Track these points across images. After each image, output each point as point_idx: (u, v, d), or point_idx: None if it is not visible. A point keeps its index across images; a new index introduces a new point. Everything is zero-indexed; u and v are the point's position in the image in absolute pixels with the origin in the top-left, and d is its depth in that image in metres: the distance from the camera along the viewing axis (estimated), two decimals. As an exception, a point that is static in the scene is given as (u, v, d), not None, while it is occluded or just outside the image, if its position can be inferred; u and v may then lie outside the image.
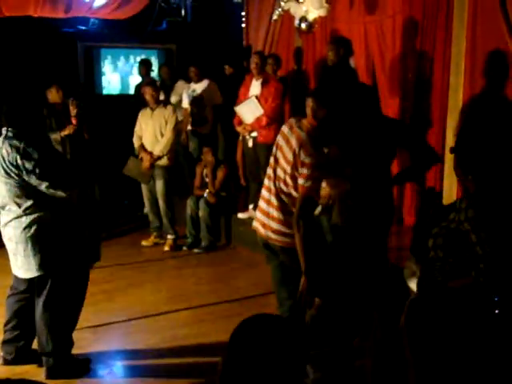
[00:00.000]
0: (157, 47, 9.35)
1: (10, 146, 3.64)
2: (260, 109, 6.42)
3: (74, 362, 4.03)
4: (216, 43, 8.80)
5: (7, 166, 3.65)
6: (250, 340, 1.53)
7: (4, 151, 3.67)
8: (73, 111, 6.81)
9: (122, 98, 8.82)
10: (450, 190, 5.72)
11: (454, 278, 2.60)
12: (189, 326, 4.68)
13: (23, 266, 3.80)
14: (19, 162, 3.60)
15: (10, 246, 3.85)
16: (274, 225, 3.59)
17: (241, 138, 6.97)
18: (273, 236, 3.60)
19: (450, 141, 5.31)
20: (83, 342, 4.41)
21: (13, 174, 3.64)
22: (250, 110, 6.51)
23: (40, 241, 3.74)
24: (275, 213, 3.58)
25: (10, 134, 3.70)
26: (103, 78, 9.03)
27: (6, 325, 4.10)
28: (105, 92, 9.01)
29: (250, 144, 6.64)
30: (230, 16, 8.94)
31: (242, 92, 6.76)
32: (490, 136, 2.65)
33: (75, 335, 4.44)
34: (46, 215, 3.74)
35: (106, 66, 9.07)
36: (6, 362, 4.06)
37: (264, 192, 3.70)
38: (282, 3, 6.57)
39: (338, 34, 6.87)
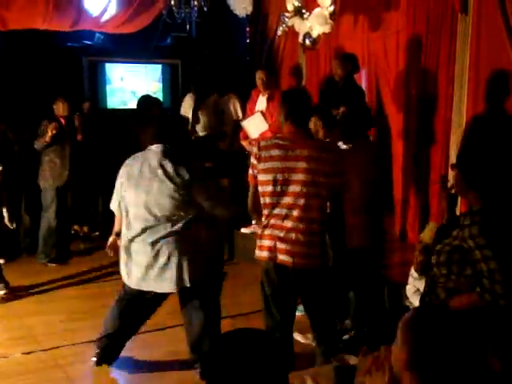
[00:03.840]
0: (161, 62, 9.38)
1: (175, 162, 3.79)
2: (265, 124, 6.44)
3: None
4: (221, 59, 8.83)
5: (175, 182, 3.75)
6: (230, 354, 1.52)
7: (169, 167, 3.77)
8: (78, 125, 6.86)
9: (126, 111, 8.84)
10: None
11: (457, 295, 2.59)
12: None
13: (171, 278, 3.85)
14: (186, 177, 3.76)
15: (155, 260, 3.86)
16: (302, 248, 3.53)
17: (247, 152, 6.97)
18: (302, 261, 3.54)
19: (453, 157, 5.32)
20: (85, 356, 4.38)
21: (181, 190, 3.76)
22: (255, 125, 6.54)
23: (196, 252, 3.89)
24: (300, 236, 3.51)
25: (167, 151, 3.83)
26: (108, 92, 9.06)
27: (112, 332, 4.14)
28: (109, 106, 9.04)
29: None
30: (234, 32, 8.98)
31: (249, 107, 6.80)
32: (495, 150, 2.64)
33: (77, 349, 4.44)
34: (201, 228, 3.89)
35: (111, 81, 9.10)
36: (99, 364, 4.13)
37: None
38: (287, 19, 6.61)
39: (342, 50, 6.91)
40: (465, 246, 2.54)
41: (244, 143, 6.77)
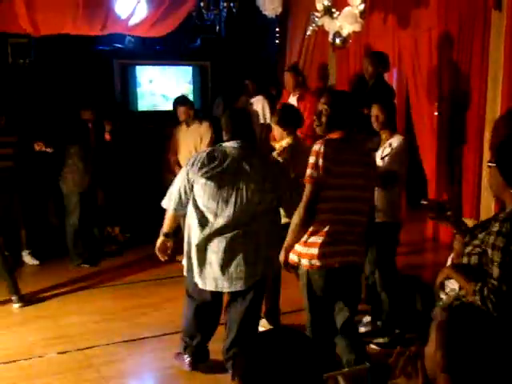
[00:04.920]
0: (191, 64, 9.43)
1: (257, 156, 3.88)
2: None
3: None
4: (250, 59, 8.84)
5: (262, 176, 3.78)
6: (265, 353, 1.50)
7: (255, 161, 3.81)
8: (107, 128, 6.92)
9: (157, 114, 8.91)
10: (488, 208, 5.64)
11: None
12: (221, 341, 4.65)
13: (245, 275, 3.84)
14: (272, 170, 3.87)
15: (226, 258, 3.81)
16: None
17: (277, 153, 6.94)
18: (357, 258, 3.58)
19: (487, 155, 5.24)
20: (118, 356, 4.44)
21: (270, 189, 3.80)
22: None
23: (265, 250, 3.85)
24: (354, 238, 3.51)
25: (248, 148, 3.86)
26: (138, 95, 9.13)
27: (194, 334, 4.12)
28: (140, 109, 9.12)
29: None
30: (264, 32, 8.99)
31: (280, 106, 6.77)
32: None
33: (110, 349, 4.48)
34: (274, 224, 3.93)
35: (142, 83, 9.17)
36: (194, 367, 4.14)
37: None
38: (316, 19, 6.58)
39: (372, 48, 6.86)
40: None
41: (274, 144, 6.74)
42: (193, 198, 3.85)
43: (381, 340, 4.45)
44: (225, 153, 3.83)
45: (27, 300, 5.48)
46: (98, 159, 6.78)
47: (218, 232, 3.80)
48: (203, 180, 3.77)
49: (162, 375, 4.24)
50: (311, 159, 3.29)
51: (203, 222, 3.83)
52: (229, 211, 3.77)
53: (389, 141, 4.45)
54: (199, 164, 3.80)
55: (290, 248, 3.43)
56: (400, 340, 4.33)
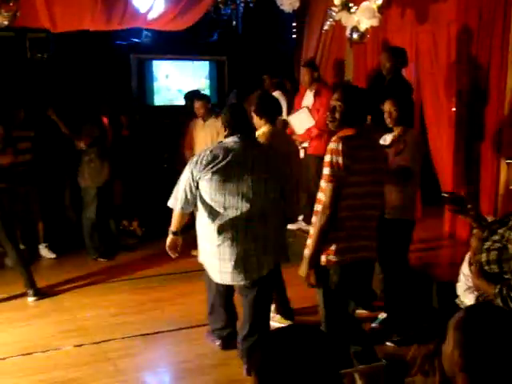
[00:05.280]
0: (208, 59, 9.43)
1: (261, 151, 4.06)
2: (311, 120, 6.39)
3: None
4: (267, 54, 8.82)
5: (267, 171, 3.93)
6: (282, 350, 1.49)
7: (257, 154, 3.96)
8: (124, 123, 6.95)
9: (173, 108, 8.93)
10: (506, 205, 5.59)
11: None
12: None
13: (258, 266, 3.94)
14: (280, 165, 4.06)
15: (240, 249, 3.89)
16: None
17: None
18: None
19: (506, 151, 5.19)
20: (134, 349, 4.47)
21: (273, 177, 3.96)
22: (301, 121, 6.50)
23: (276, 235, 4.05)
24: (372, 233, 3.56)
25: (248, 141, 4.01)
26: (155, 90, 9.15)
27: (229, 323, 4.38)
28: (156, 103, 9.14)
29: (301, 155, 6.61)
30: (281, 27, 8.96)
31: (297, 102, 6.77)
32: None
33: (126, 343, 4.51)
34: (281, 215, 4.09)
35: (158, 78, 9.19)
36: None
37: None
38: (334, 14, 6.54)
39: (390, 43, 6.80)
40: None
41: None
42: (200, 195, 3.91)
43: (395, 338, 4.43)
44: (226, 148, 3.90)
45: (43, 293, 5.53)
46: (115, 154, 6.81)
47: (229, 224, 3.87)
48: (208, 176, 3.83)
49: (177, 369, 4.27)
50: (328, 158, 3.27)
51: (213, 216, 3.89)
52: (237, 203, 3.85)
53: (402, 137, 4.42)
54: (204, 162, 3.85)
55: (316, 257, 3.37)
56: (415, 338, 4.30)
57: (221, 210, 3.86)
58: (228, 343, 4.38)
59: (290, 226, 6.76)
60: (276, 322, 4.64)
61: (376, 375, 2.39)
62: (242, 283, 4.00)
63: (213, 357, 4.37)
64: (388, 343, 4.39)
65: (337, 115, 3.39)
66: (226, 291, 4.27)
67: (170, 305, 5.37)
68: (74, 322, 4.98)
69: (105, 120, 6.88)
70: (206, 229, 3.95)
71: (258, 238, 3.92)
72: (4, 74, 7.49)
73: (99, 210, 6.65)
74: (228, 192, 3.84)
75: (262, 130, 4.73)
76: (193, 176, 3.88)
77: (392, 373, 2.27)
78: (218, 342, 4.41)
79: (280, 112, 5.01)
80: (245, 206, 3.85)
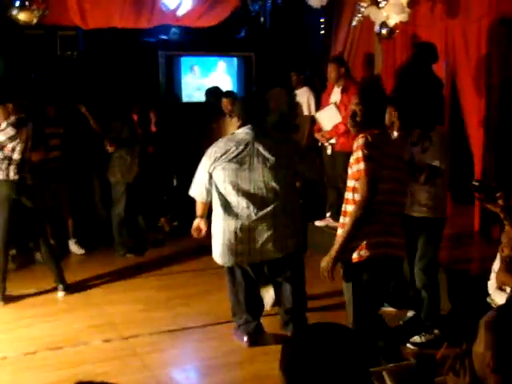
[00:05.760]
0: (235, 55, 9.43)
1: (272, 140, 4.27)
2: (338, 116, 6.34)
3: None
4: (295, 51, 8.78)
5: (278, 158, 4.13)
6: (310, 348, 1.47)
7: (268, 142, 4.19)
8: (153, 119, 6.99)
9: (200, 105, 8.94)
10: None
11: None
12: (267, 331, 4.66)
13: (275, 249, 4.22)
14: (291, 152, 4.30)
15: (257, 234, 4.16)
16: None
17: (320, 144, 6.89)
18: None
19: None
20: (161, 345, 4.50)
21: (285, 164, 4.18)
22: (328, 117, 6.46)
23: (294, 223, 4.35)
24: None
25: (259, 131, 4.22)
26: (182, 86, 9.18)
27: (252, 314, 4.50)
28: (184, 99, 9.16)
29: (329, 151, 6.57)
30: (309, 23, 8.91)
31: (324, 98, 6.72)
32: None
33: (154, 338, 4.53)
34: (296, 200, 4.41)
35: (186, 74, 9.22)
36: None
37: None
38: (362, 9, 6.48)
39: (420, 39, 6.72)
40: None
41: (318, 136, 6.69)
42: (215, 185, 4.20)
43: (417, 340, 4.36)
44: (238, 139, 4.20)
45: (73, 288, 5.59)
46: (144, 150, 6.85)
47: (244, 212, 4.14)
48: (222, 166, 4.13)
49: (204, 366, 4.28)
50: (360, 153, 3.26)
51: (228, 204, 4.17)
52: (250, 190, 4.13)
53: (429, 135, 4.33)
54: (217, 153, 4.16)
55: (345, 248, 3.35)
56: (439, 340, 4.23)
57: (235, 198, 4.13)
58: (255, 339, 4.43)
59: (317, 223, 6.76)
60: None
61: (406, 374, 2.36)
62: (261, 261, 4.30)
63: (240, 354, 4.37)
64: (408, 345, 4.31)
65: (358, 119, 3.41)
66: (247, 285, 4.41)
67: (197, 301, 5.38)
68: (102, 317, 5.03)
69: (134, 117, 6.92)
70: (222, 217, 4.19)
71: (274, 223, 4.17)
72: (35, 72, 7.59)
73: (128, 206, 6.69)
74: (241, 181, 4.12)
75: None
76: (207, 167, 4.19)
77: (422, 372, 2.23)
78: (245, 338, 4.44)
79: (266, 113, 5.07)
80: (258, 194, 4.13)
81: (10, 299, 5.35)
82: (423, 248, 4.38)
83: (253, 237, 4.17)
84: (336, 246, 3.35)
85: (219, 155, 4.14)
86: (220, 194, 4.18)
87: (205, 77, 9.28)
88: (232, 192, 4.14)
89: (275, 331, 4.57)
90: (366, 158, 3.23)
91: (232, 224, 4.16)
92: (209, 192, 4.27)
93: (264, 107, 4.47)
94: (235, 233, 4.17)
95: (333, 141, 6.51)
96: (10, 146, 5.21)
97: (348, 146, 6.16)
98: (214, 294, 5.47)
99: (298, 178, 4.44)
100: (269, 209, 4.15)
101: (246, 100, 4.50)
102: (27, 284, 5.67)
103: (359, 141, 3.31)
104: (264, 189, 4.14)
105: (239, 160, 4.12)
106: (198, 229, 4.44)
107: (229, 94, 7.03)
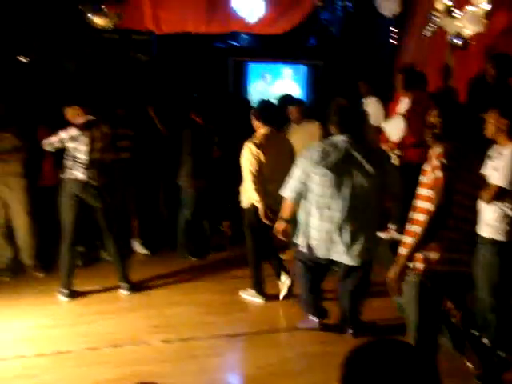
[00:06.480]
0: (304, 63, 9.42)
1: (367, 149, 4.47)
2: (406, 127, 6.23)
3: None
4: (365, 60, 8.69)
5: (373, 166, 4.34)
6: (370, 363, 1.43)
7: (365, 151, 4.39)
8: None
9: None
10: None
11: None
12: (321, 344, 4.61)
13: (359, 253, 4.48)
14: (383, 161, 4.60)
15: (347, 237, 4.42)
16: None
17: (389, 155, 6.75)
18: None
19: None
20: (219, 349, 4.52)
21: (377, 173, 4.38)
22: (395, 128, 6.35)
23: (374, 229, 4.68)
24: None
25: (355, 140, 4.42)
26: (251, 92, 9.24)
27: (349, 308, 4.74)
28: (252, 105, 9.21)
29: (395, 162, 6.46)
30: (380, 32, 8.80)
31: (392, 109, 6.61)
32: None
33: (212, 342, 4.55)
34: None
35: (254, 81, 9.28)
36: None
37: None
38: (436, 19, 6.36)
39: (496, 49, 6.52)
40: None
41: (385, 146, 6.59)
42: (311, 188, 4.40)
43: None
44: (336, 145, 4.38)
45: (136, 288, 5.69)
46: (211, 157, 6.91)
47: (338, 214, 4.36)
48: (320, 170, 4.33)
49: (261, 373, 4.23)
50: (438, 162, 3.22)
51: (324, 206, 4.39)
52: (346, 195, 4.33)
53: (500, 150, 4.13)
54: (317, 158, 4.35)
55: (408, 259, 3.29)
56: (504, 364, 4.07)
57: (329, 201, 4.35)
58: (323, 315, 4.80)
59: (380, 235, 6.64)
60: (248, 295, 5.46)
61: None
62: (346, 263, 4.53)
63: (297, 362, 4.35)
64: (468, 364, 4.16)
65: (436, 131, 3.38)
66: (313, 278, 4.73)
67: (256, 307, 5.39)
68: (162, 317, 5.10)
69: (199, 120, 6.97)
70: (315, 218, 4.44)
71: (361, 229, 4.42)
72: (109, 75, 7.79)
73: (196, 211, 6.77)
74: (337, 186, 4.32)
75: (259, 131, 5.34)
76: (305, 170, 4.40)
77: None
78: (314, 318, 4.76)
79: (279, 118, 5.56)
80: (352, 199, 4.32)
81: (75, 295, 5.50)
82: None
83: (341, 239, 4.41)
84: (404, 254, 3.30)
85: (320, 160, 4.34)
86: (317, 196, 4.39)
87: (272, 83, 9.31)
88: (329, 195, 4.35)
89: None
90: (444, 168, 3.19)
91: (326, 225, 4.41)
92: (301, 194, 4.48)
93: (360, 116, 4.76)
94: (328, 233, 4.42)
95: (399, 152, 6.40)
96: (72, 145, 5.35)
97: (415, 157, 6.05)
98: (274, 300, 5.46)
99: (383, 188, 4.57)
100: (358, 214, 4.38)
101: (342, 108, 4.58)
102: (92, 281, 5.81)
103: (438, 150, 3.27)
104: (358, 194, 4.34)
105: (338, 165, 4.33)
106: (284, 231, 4.69)
107: (296, 101, 7.01)
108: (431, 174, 3.26)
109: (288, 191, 4.54)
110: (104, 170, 5.57)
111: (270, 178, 5.15)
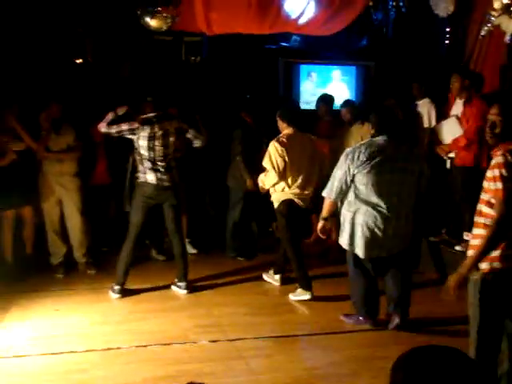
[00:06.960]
0: (356, 64, 9.33)
1: (407, 149, 4.70)
2: (459, 129, 6.11)
3: None
4: (418, 61, 8.54)
5: (411, 166, 4.62)
6: (424, 372, 1.39)
7: (405, 150, 4.66)
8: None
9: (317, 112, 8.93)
10: None
11: None
12: (370, 347, 4.56)
13: (397, 245, 4.73)
14: (421, 162, 4.77)
15: (390, 234, 4.64)
16: None
17: (445, 158, 6.61)
18: None
19: None
20: (266, 350, 4.53)
21: (416, 173, 4.64)
22: (449, 130, 6.24)
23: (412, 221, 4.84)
24: None
25: (395, 140, 4.63)
26: (301, 93, 9.21)
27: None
28: (302, 107, 9.18)
29: (448, 165, 6.34)
30: (434, 33, 8.63)
31: (445, 111, 6.49)
32: None
33: (259, 343, 4.55)
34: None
35: (305, 82, 9.24)
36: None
37: None
38: (493, 18, 6.20)
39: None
40: None
41: (439, 150, 6.45)
42: (355, 187, 4.57)
43: None
44: (378, 145, 4.56)
45: (193, 287, 5.74)
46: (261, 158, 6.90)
47: (382, 211, 4.55)
48: (365, 170, 4.50)
49: (307, 375, 4.21)
50: (497, 172, 3.15)
51: (369, 204, 4.56)
52: (390, 194, 4.54)
53: None
54: (361, 158, 4.50)
55: (480, 260, 3.24)
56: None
57: (372, 199, 4.53)
58: (373, 315, 4.91)
59: (432, 239, 6.53)
60: (296, 296, 5.51)
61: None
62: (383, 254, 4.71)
63: (344, 365, 4.31)
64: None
65: (497, 130, 3.28)
66: (368, 279, 4.85)
67: (303, 309, 5.37)
68: (210, 317, 5.14)
69: (249, 120, 6.97)
70: (360, 215, 4.60)
71: (398, 225, 4.62)
72: (161, 76, 7.89)
73: (244, 212, 6.78)
74: (379, 185, 4.51)
75: (284, 131, 5.62)
76: (349, 170, 4.55)
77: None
78: (361, 318, 4.91)
79: (302, 119, 5.87)
80: (392, 196, 4.54)
81: (126, 293, 5.59)
82: None
83: (384, 234, 4.60)
84: (468, 262, 3.26)
85: (364, 159, 4.50)
86: (362, 194, 4.57)
87: (322, 85, 9.25)
88: (374, 194, 4.53)
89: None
90: (504, 179, 3.12)
91: (371, 222, 4.58)
92: (345, 193, 4.64)
93: (397, 118, 4.89)
94: (373, 229, 4.58)
95: (452, 155, 6.28)
96: (129, 137, 5.46)
97: (468, 160, 5.93)
98: (320, 302, 5.44)
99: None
100: (399, 211, 4.60)
101: (383, 110, 4.85)
102: (142, 279, 5.90)
103: (498, 158, 3.19)
104: (398, 192, 4.56)
105: (381, 165, 4.51)
106: (324, 230, 4.79)
107: (347, 103, 6.98)
108: (492, 182, 3.19)
109: (329, 191, 4.68)
110: (172, 169, 5.65)
111: (293, 177, 5.49)
